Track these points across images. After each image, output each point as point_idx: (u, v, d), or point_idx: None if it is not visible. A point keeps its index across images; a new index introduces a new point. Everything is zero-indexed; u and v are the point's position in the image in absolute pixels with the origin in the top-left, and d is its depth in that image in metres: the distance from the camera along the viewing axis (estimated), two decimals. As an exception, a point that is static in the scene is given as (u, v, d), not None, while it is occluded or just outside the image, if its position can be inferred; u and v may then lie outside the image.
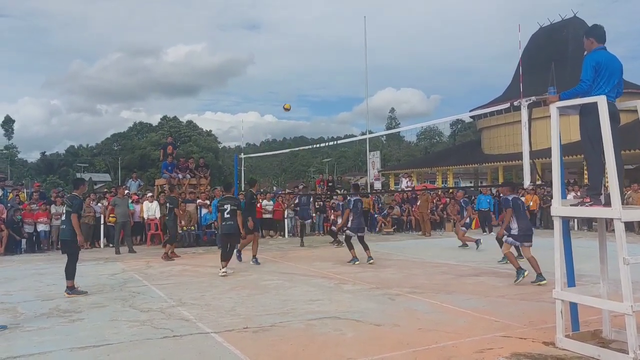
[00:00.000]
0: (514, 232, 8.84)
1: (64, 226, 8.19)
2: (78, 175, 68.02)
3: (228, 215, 9.97)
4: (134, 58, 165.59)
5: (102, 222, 15.62)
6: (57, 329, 5.94)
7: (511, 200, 8.98)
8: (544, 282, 8.15)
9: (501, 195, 10.47)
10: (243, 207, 10.84)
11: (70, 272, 8.02)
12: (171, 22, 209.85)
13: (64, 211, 8.34)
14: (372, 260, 11.11)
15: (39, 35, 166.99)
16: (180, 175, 17.81)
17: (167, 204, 12.90)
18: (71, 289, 7.97)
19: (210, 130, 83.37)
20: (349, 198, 12.07)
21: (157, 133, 72.61)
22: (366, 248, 11.28)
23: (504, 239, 9.15)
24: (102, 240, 15.68)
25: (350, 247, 11.38)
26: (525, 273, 8.47)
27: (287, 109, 14.59)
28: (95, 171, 78.84)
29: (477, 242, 13.57)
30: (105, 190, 26.14)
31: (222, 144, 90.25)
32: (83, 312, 6.82)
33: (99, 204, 16.23)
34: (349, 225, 11.45)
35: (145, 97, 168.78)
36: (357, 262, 11.12)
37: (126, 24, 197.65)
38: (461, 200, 14.46)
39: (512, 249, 9.08)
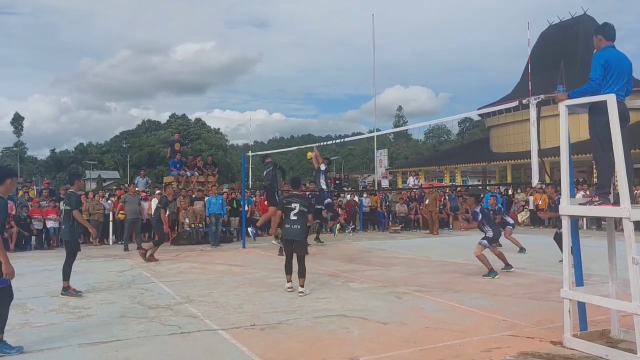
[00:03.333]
0: (489, 235, 9.44)
1: (64, 226, 8.14)
2: (87, 172, 68.52)
3: (295, 217, 7.91)
4: (142, 56, 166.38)
5: (110, 219, 15.72)
6: (66, 325, 5.99)
7: (480, 212, 9.55)
8: (497, 276, 9.00)
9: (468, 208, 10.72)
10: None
11: (66, 273, 7.80)
12: (179, 19, 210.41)
13: (63, 210, 8.23)
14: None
15: (48, 33, 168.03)
16: (188, 173, 17.89)
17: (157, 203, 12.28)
18: (65, 290, 7.73)
19: (219, 128, 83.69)
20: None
21: (165, 131, 72.90)
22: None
23: (479, 242, 9.45)
24: (111, 237, 15.79)
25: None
26: (497, 276, 9.00)
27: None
28: (104, 169, 79.33)
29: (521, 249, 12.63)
30: (114, 187, 26.27)
31: (231, 142, 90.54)
32: (92, 308, 6.87)
33: (108, 201, 16.33)
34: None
35: (154, 95, 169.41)
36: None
37: (135, 21, 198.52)
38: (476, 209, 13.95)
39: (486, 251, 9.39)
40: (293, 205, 7.96)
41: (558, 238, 10.28)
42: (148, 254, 11.34)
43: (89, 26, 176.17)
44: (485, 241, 9.36)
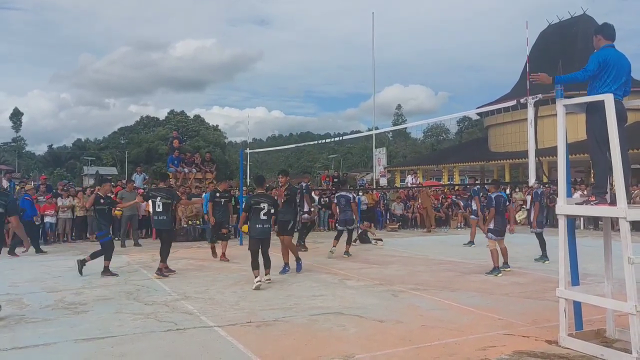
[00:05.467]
0: (491, 226, 9.52)
1: (163, 217, 9.30)
2: (85, 168, 68.42)
3: (265, 217, 8.15)
4: (142, 52, 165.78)
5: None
6: (62, 321, 5.98)
7: (494, 199, 9.56)
8: (500, 274, 9.15)
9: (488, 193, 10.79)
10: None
11: (164, 255, 9.20)
12: (180, 16, 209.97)
13: (161, 203, 9.24)
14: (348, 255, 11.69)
15: (49, 29, 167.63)
16: (186, 170, 17.86)
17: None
18: (160, 271, 9.01)
19: (217, 125, 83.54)
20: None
21: (164, 127, 72.80)
22: (348, 242, 11.92)
23: (487, 236, 9.61)
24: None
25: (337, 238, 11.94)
26: (499, 274, 9.12)
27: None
28: (102, 165, 79.11)
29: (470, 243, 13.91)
30: (112, 183, 26.23)
31: (229, 139, 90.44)
32: (88, 304, 6.86)
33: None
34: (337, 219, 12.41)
35: (153, 91, 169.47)
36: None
37: (135, 18, 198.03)
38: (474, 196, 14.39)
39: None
40: (262, 205, 8.18)
41: (538, 236, 10.93)
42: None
43: (89, 22, 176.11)
44: (491, 234, 9.42)
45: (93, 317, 6.17)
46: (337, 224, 12.56)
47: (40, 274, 9.44)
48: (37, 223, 13.72)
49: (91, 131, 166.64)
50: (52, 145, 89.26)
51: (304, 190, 13.45)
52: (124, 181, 20.24)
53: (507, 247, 9.70)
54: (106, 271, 9.09)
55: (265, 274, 8.23)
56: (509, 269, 9.53)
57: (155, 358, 4.67)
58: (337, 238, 11.86)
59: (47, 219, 14.91)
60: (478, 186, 17.28)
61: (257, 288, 7.78)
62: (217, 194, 11.33)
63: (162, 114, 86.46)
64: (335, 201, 12.65)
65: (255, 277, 7.95)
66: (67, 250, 13.23)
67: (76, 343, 5.10)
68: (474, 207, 14.09)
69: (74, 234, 15.86)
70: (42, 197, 15.21)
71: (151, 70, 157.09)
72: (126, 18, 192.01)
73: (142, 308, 6.60)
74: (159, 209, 9.22)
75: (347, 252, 11.73)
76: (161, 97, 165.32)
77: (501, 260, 9.47)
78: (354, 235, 13.28)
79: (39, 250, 12.66)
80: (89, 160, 72.65)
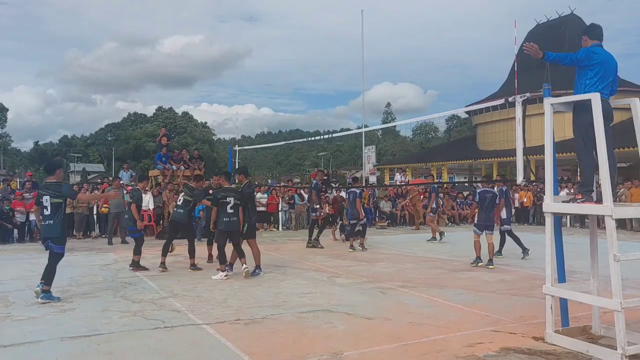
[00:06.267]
0: (475, 221, 10.24)
1: (183, 211, 9.45)
2: (71, 165, 67.76)
3: (232, 210, 8.50)
4: (130, 48, 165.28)
5: (94, 212, 15.57)
6: (48, 319, 5.93)
7: (477, 194, 10.13)
8: (480, 263, 9.83)
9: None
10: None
11: (191, 251, 9.43)
12: (168, 12, 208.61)
13: (183, 199, 9.48)
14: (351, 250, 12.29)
15: (34, 24, 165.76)
16: (174, 167, 17.76)
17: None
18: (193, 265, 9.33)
19: (206, 122, 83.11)
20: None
21: (152, 124, 72.28)
22: (362, 235, 12.62)
23: (473, 230, 10.23)
24: (96, 230, 15.63)
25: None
26: (480, 263, 9.83)
27: None
28: (89, 161, 78.53)
29: (441, 234, 14.31)
30: (99, 180, 26.03)
31: (218, 136, 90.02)
32: (74, 302, 6.80)
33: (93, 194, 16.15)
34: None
35: (141, 87, 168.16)
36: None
37: (122, 13, 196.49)
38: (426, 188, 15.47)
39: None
40: (228, 199, 8.52)
41: (508, 234, 11.32)
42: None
43: (76, 17, 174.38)
44: (475, 228, 10.13)
45: (79, 315, 6.11)
46: (349, 220, 12.92)
47: (26, 271, 9.34)
48: None
49: (78, 128, 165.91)
50: (38, 141, 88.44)
51: (314, 188, 13.57)
52: (110, 178, 20.09)
53: (495, 246, 9.81)
54: (137, 265, 9.27)
55: (242, 263, 8.49)
56: (492, 266, 9.70)
57: (142, 356, 4.64)
58: (351, 235, 12.69)
59: (32, 217, 14.72)
60: (436, 185, 18.05)
61: (247, 275, 8.27)
62: (211, 191, 11.06)
63: (149, 111, 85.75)
64: (346, 197, 13.35)
65: (222, 270, 8.43)
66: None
67: (62, 341, 5.05)
68: (434, 205, 14.94)
69: (60, 231, 15.69)
70: (28, 194, 15.04)
71: (139, 67, 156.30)
72: (113, 13, 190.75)
73: (130, 306, 6.55)
74: (180, 202, 9.59)
75: (362, 245, 12.51)
76: (149, 94, 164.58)
77: (486, 255, 9.83)
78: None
79: None
80: (76, 157, 72.03)
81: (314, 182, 13.84)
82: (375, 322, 5.76)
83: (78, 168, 72.71)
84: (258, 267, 8.93)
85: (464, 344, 4.91)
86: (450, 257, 11.26)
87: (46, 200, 6.99)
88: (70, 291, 7.51)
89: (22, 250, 12.45)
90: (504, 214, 11.18)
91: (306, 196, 20.01)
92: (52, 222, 6.97)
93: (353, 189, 12.93)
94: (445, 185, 24.01)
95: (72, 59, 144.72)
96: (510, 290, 7.62)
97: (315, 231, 13.28)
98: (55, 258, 7.02)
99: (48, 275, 6.88)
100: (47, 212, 6.98)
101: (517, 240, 11.14)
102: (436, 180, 36.59)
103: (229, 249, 8.77)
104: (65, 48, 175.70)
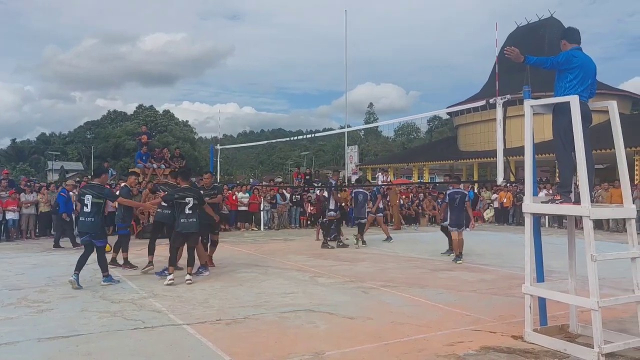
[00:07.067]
0: (447, 221, 10.90)
1: (194, 219, 8.21)
2: (49, 163, 66.64)
3: (190, 211, 8.08)
4: (110, 45, 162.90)
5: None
6: (25, 319, 5.82)
7: (447, 195, 10.81)
8: (460, 262, 10.30)
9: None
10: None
11: (192, 258, 8.27)
12: (150, 9, 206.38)
13: (193, 204, 8.16)
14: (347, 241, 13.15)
15: (12, 19, 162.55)
16: (155, 165, 17.59)
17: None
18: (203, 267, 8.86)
19: (187, 121, 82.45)
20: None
21: (132, 122, 71.42)
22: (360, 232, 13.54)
23: (450, 228, 10.85)
24: (75, 230, 15.36)
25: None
26: (459, 261, 10.31)
27: None
28: (67, 160, 77.28)
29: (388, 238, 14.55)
30: (78, 179, 25.65)
31: (199, 135, 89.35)
32: (52, 302, 6.69)
33: (70, 193, 15.89)
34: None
35: (121, 85, 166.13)
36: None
37: (103, 9, 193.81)
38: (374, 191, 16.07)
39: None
40: (187, 199, 8.09)
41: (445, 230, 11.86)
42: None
43: (55, 13, 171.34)
44: (449, 227, 10.75)
45: (57, 315, 6.01)
46: (353, 220, 13.66)
47: (2, 271, 9.16)
48: (67, 219, 13.54)
49: (56, 125, 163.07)
50: (15, 139, 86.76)
51: (332, 188, 13.57)
52: (89, 177, 19.78)
53: (475, 246, 9.95)
54: (126, 263, 9.44)
55: (187, 273, 8.01)
56: (460, 261, 10.23)
57: (121, 357, 4.58)
58: (360, 232, 13.48)
59: (9, 215, 14.47)
60: (382, 186, 18.74)
61: (170, 284, 7.75)
62: (202, 192, 9.71)
63: (130, 109, 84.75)
64: (353, 196, 13.92)
65: (170, 273, 7.95)
66: (30, 247, 12.87)
67: (40, 342, 4.96)
68: (381, 205, 15.53)
69: (37, 230, 15.44)
70: (5, 193, 14.76)
71: (119, 64, 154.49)
72: (93, 10, 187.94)
73: (109, 306, 6.47)
74: (189, 210, 8.21)
75: (361, 240, 13.35)
76: (129, 91, 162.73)
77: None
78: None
79: None
80: (54, 155, 70.84)
81: (333, 182, 13.91)
82: (357, 322, 5.78)
83: (56, 166, 71.55)
84: (203, 266, 8.84)
85: (445, 343, 4.95)
86: (431, 257, 11.35)
87: (88, 199, 7.79)
88: (48, 291, 7.38)
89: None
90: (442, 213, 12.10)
91: (288, 195, 20.00)
92: (93, 219, 7.82)
93: (361, 190, 13.76)
94: (431, 187, 24.20)
95: (50, 56, 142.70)
96: (490, 290, 7.70)
97: (320, 232, 13.82)
98: (100, 250, 7.98)
99: (101, 265, 7.99)
100: (87, 209, 7.81)
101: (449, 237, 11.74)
102: (417, 181, 36.83)
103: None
104: (44, 44, 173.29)
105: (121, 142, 65.17)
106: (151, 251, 9.20)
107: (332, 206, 13.28)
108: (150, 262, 9.14)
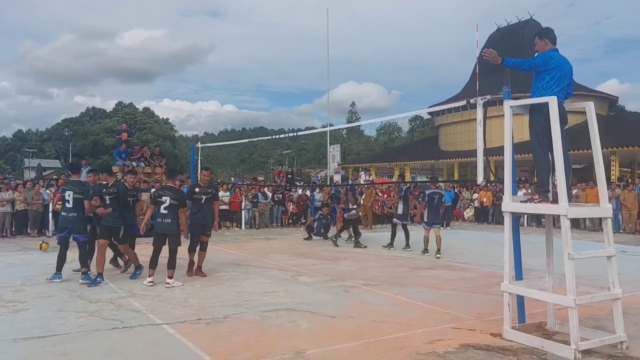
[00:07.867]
0: (424, 219, 11.61)
1: (169, 220, 7.87)
2: (26, 160, 65.39)
3: (166, 211, 7.82)
4: (88, 41, 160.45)
5: (50, 209, 15.06)
6: (0, 319, 5.69)
7: (427, 195, 11.38)
8: (427, 254, 11.26)
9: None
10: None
11: (172, 264, 7.79)
12: (129, 4, 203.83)
13: (170, 204, 7.83)
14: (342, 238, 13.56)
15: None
16: (134, 163, 17.36)
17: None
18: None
19: (168, 119, 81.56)
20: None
21: (111, 119, 70.47)
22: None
23: (423, 225, 11.72)
24: (51, 228, 15.12)
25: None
26: (427, 254, 11.24)
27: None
28: (44, 157, 75.98)
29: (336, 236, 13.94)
30: (55, 176, 25.21)
31: (180, 133, 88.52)
32: (28, 302, 6.56)
33: (47, 191, 15.64)
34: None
35: (100, 81, 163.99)
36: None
37: (81, 4, 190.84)
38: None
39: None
40: (164, 198, 7.85)
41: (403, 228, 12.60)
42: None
43: (32, 8, 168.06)
44: (424, 224, 11.59)
45: (33, 315, 5.90)
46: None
47: (-24, 270, 8.95)
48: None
49: (33, 122, 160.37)
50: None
51: (349, 188, 13.64)
52: (65, 175, 19.46)
53: (455, 244, 10.06)
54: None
55: (167, 276, 7.71)
56: (438, 256, 10.91)
57: (99, 357, 4.51)
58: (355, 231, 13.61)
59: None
60: (343, 187, 18.52)
61: (150, 285, 7.63)
62: (197, 189, 8.92)
63: (109, 106, 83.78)
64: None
65: (150, 276, 7.76)
66: (6, 246, 12.61)
67: (15, 342, 4.87)
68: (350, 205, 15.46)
69: (13, 228, 15.14)
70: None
71: (98, 60, 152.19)
72: (71, 4, 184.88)
73: (86, 306, 6.37)
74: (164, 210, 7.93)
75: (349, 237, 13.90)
76: (108, 88, 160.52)
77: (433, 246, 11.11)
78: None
79: None
80: (31, 153, 69.55)
81: (350, 182, 13.86)
82: (338, 321, 5.78)
83: (33, 164, 70.24)
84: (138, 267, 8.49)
85: (425, 341, 4.99)
86: (412, 256, 11.42)
87: (69, 195, 7.93)
88: (24, 291, 7.24)
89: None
90: (400, 209, 12.60)
91: (270, 194, 19.93)
92: (75, 214, 7.91)
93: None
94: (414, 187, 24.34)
95: (27, 51, 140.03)
96: (470, 288, 7.78)
97: (335, 232, 13.94)
98: (82, 245, 8.02)
99: (82, 260, 7.93)
100: (69, 205, 7.92)
101: (393, 236, 12.61)
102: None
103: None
104: (21, 39, 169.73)
105: (100, 140, 64.27)
106: (153, 265, 8.04)
107: (350, 206, 13.42)
108: (139, 266, 8.49)
